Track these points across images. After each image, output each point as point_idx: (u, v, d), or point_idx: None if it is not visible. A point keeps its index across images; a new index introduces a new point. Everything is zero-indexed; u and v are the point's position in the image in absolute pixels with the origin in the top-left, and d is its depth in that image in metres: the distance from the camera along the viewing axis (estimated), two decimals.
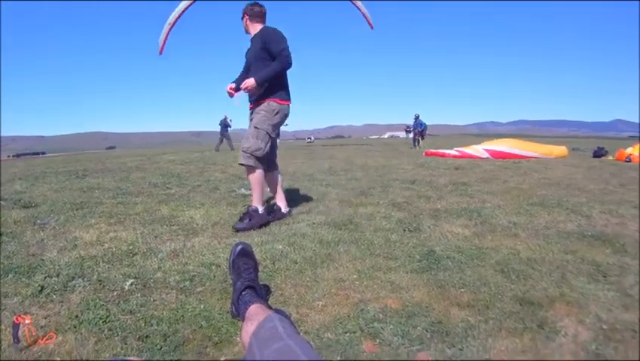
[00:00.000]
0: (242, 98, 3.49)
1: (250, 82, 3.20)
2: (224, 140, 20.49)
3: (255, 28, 3.41)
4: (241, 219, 3.21)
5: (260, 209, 3.28)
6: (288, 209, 3.59)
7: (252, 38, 3.43)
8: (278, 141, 3.77)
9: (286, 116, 3.46)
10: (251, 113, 3.42)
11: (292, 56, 3.27)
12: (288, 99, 3.45)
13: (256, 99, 3.37)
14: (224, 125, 20.62)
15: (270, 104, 3.31)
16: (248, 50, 3.50)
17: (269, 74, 3.21)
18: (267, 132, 3.30)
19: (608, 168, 7.62)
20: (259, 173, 3.32)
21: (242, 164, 3.29)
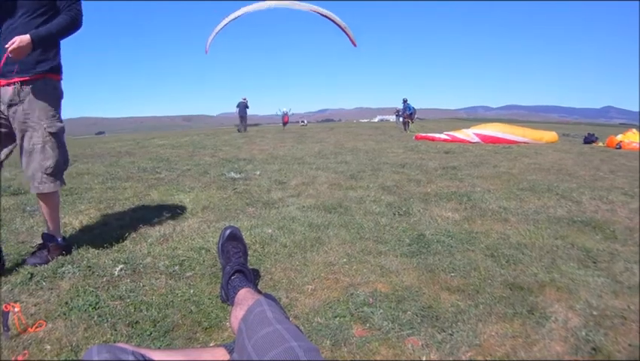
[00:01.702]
0: None
1: (24, 40, 1.93)
2: (242, 121, 20.28)
3: None
4: (35, 253, 2.24)
5: (60, 238, 2.33)
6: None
7: None
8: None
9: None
10: (10, 99, 2.09)
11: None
12: (61, 72, 2.28)
13: (18, 72, 2.06)
14: (244, 106, 20.35)
15: (52, 84, 2.19)
16: None
17: (53, 31, 2.06)
18: (61, 131, 2.27)
19: (599, 155, 7.70)
20: (58, 194, 2.42)
21: (44, 193, 2.30)
